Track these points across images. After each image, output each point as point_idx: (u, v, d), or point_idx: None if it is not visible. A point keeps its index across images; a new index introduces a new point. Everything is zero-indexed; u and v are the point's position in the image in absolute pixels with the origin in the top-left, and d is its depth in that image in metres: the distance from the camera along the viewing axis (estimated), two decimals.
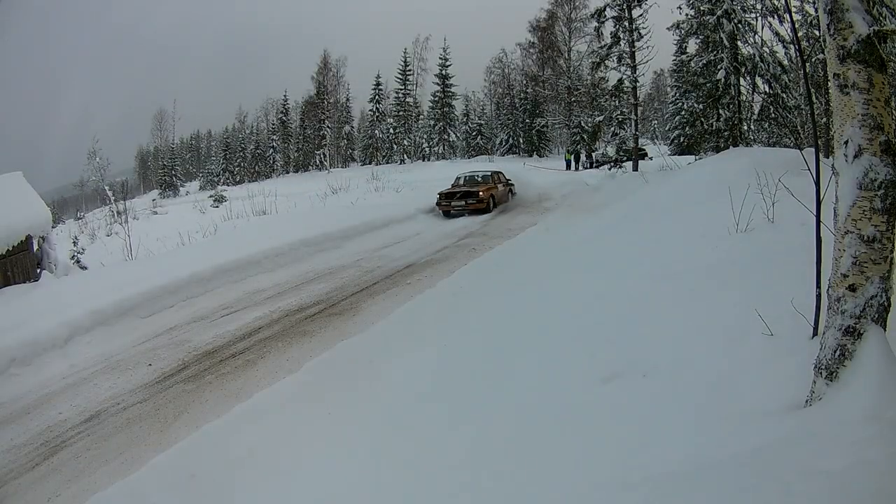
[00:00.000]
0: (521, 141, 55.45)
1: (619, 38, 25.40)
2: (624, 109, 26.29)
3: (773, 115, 19.13)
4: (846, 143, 3.04)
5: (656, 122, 56.43)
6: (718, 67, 20.29)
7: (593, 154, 38.34)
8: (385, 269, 11.12)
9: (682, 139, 37.19)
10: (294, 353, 7.22)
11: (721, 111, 20.18)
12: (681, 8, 22.01)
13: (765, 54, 19.12)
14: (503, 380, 5.22)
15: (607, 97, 26.98)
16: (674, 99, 42.47)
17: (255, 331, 8.09)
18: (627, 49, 25.34)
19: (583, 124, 45.51)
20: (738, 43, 20.03)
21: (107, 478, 4.92)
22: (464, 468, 4.05)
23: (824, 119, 13.68)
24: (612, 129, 27.00)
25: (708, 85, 20.66)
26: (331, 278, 10.55)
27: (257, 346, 7.57)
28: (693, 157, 24.69)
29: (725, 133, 20.16)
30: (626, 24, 25.33)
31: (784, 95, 18.53)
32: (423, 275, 10.45)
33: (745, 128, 20.36)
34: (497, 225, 15.61)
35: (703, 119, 21.22)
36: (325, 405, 5.68)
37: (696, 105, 23.46)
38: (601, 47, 26.15)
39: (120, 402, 6.27)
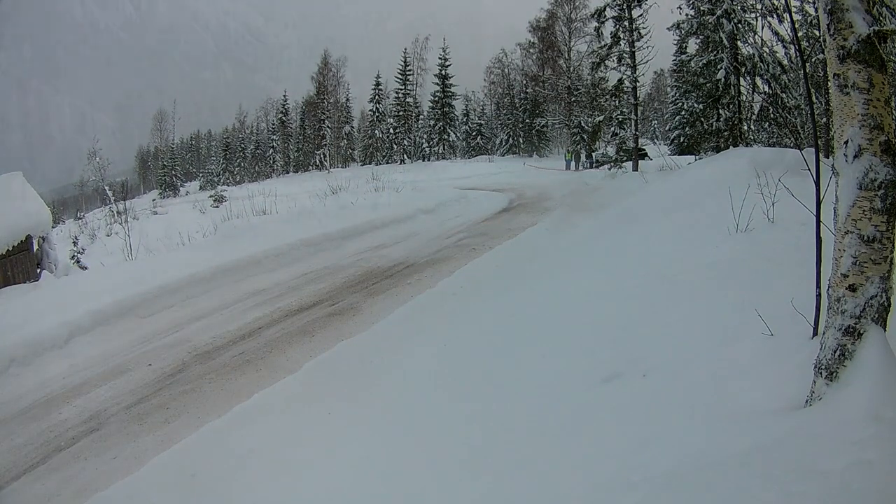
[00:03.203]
0: (521, 141, 55.48)
1: (620, 38, 25.42)
2: (624, 109, 26.30)
3: (772, 115, 19.13)
4: (846, 143, 3.04)
5: (656, 122, 56.46)
6: (718, 67, 20.29)
7: (593, 154, 38.35)
8: (385, 268, 11.11)
9: (682, 139, 37.20)
10: (294, 352, 7.22)
11: (721, 111, 20.18)
12: (681, 8, 22.01)
13: (765, 54, 19.12)
14: (504, 379, 5.22)
15: (607, 97, 27.00)
16: (674, 99, 42.47)
17: (255, 331, 8.09)
18: (627, 49, 25.35)
19: (583, 124, 45.51)
20: (738, 43, 20.02)
21: (107, 478, 4.92)
22: (465, 468, 4.06)
23: (824, 119, 13.66)
24: (612, 129, 27.01)
25: (708, 85, 20.67)
26: (331, 278, 10.55)
27: (257, 345, 7.56)
28: (693, 157, 24.69)
29: (725, 133, 20.16)
30: (626, 24, 25.34)
31: (784, 95, 18.53)
32: (423, 274, 10.44)
33: (745, 128, 20.36)
34: (497, 225, 15.61)
35: (702, 119, 21.22)
36: (325, 405, 5.68)
37: (696, 105, 23.46)
38: (601, 47, 26.17)
39: (120, 402, 6.26)
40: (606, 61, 25.72)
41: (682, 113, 36.97)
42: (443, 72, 58.12)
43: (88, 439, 5.56)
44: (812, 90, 11.21)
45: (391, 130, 60.06)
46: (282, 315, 8.67)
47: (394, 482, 4.18)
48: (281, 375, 6.52)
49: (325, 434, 5.16)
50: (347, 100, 65.18)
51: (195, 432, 5.36)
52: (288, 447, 5.03)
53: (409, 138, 59.87)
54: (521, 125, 55.40)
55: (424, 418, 4.98)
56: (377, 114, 62.08)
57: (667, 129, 44.37)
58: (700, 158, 20.40)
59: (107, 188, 28.11)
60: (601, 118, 28.35)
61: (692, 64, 22.81)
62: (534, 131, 54.79)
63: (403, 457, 4.46)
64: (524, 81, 56.96)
